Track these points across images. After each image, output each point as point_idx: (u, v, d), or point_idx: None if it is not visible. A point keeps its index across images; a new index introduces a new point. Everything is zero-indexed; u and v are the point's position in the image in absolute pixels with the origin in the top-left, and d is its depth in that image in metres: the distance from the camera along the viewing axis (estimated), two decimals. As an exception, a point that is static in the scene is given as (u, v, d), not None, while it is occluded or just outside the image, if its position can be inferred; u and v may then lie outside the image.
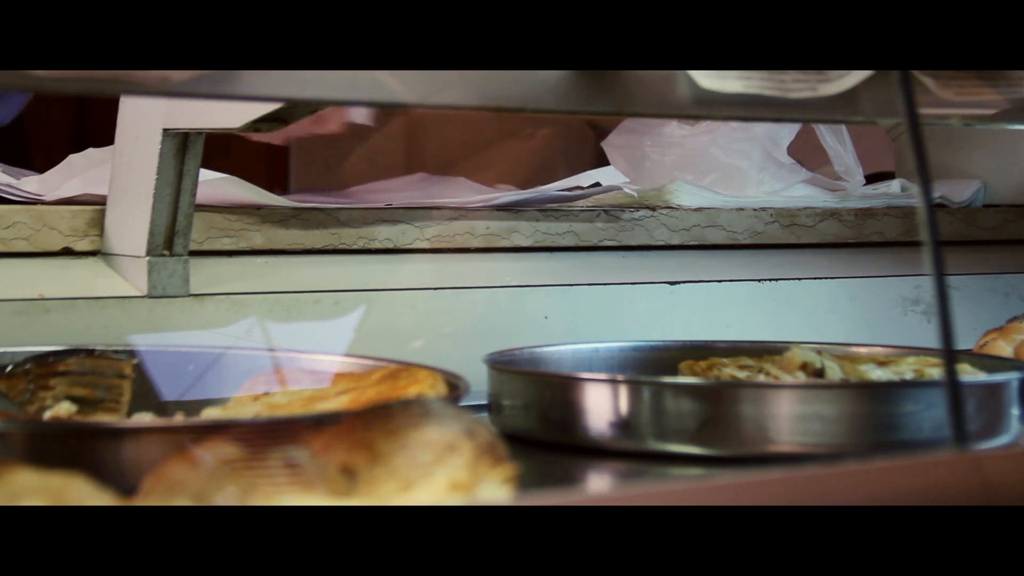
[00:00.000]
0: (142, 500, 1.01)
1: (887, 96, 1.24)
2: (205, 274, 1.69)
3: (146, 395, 1.49)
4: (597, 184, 1.99)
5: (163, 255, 1.64)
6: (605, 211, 1.98)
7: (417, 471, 1.04)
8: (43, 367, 1.37)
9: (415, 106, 1.85)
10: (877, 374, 1.61)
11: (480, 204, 1.90)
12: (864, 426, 1.44)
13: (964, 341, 1.59)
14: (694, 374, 1.63)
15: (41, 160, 2.21)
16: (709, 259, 2.04)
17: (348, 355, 1.52)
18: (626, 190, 2.04)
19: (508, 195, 1.94)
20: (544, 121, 2.84)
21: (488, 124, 2.86)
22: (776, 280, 2.04)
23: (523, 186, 2.05)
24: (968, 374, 1.54)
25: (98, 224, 1.67)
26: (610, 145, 2.29)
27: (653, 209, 2.02)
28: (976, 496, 1.09)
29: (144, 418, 1.45)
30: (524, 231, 1.91)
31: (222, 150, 2.13)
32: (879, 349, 1.75)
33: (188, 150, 1.60)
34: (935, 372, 1.58)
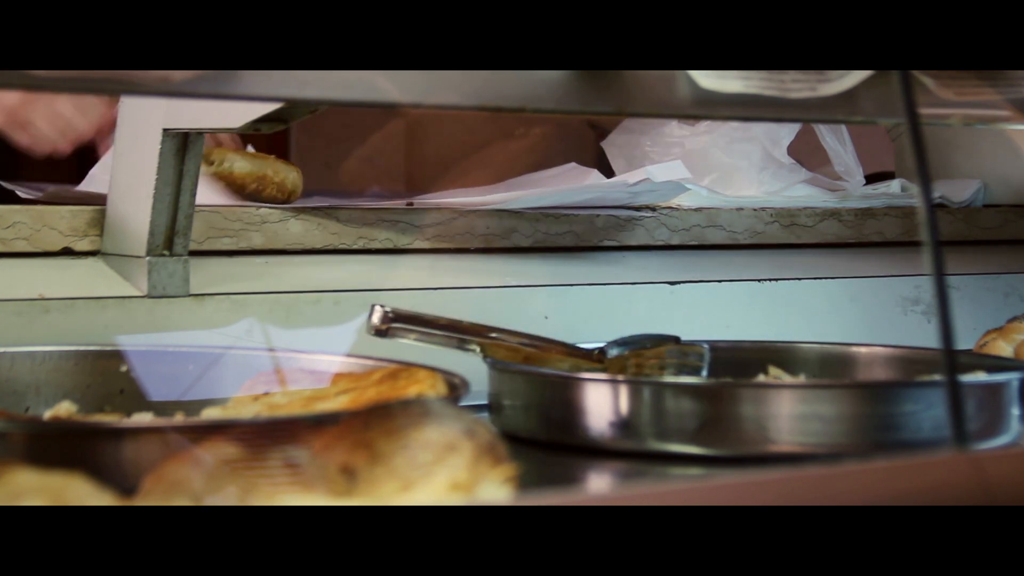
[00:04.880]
0: (142, 500, 1.01)
1: (887, 96, 1.24)
2: (205, 274, 1.69)
3: (146, 395, 1.49)
4: (646, 180, 1.96)
5: (163, 255, 1.64)
6: (605, 211, 1.98)
7: (417, 471, 1.04)
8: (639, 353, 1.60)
9: (415, 106, 1.85)
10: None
11: (526, 207, 1.89)
12: (864, 426, 1.44)
13: (964, 341, 1.59)
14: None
15: (37, 161, 2.21)
16: (709, 259, 2.04)
17: (348, 355, 1.52)
18: (694, 188, 2.02)
19: (552, 192, 1.93)
20: (544, 121, 2.84)
21: (488, 124, 2.86)
22: (776, 280, 2.04)
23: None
24: (968, 374, 1.54)
25: (98, 224, 1.67)
26: (610, 145, 2.29)
27: (653, 209, 2.02)
28: (976, 496, 1.09)
29: (144, 418, 1.45)
30: (524, 231, 1.91)
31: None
32: (879, 349, 1.75)
33: (188, 150, 1.60)
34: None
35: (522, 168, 2.15)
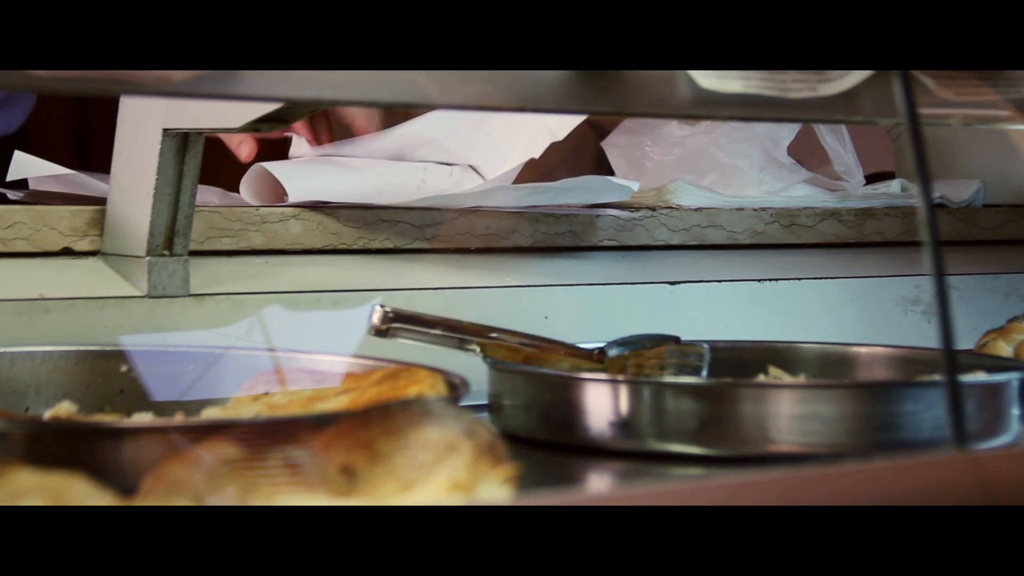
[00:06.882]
0: (142, 500, 1.01)
1: (887, 96, 1.24)
2: (205, 274, 1.69)
3: (146, 395, 1.49)
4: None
5: (163, 255, 1.64)
6: (605, 211, 1.98)
7: (417, 471, 1.04)
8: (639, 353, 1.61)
9: (414, 106, 1.85)
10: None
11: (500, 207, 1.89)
12: (864, 426, 1.44)
13: (964, 341, 1.59)
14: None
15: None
16: (709, 259, 2.04)
17: (348, 355, 1.52)
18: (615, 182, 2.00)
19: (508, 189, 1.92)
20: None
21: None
22: (776, 280, 2.04)
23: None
24: (968, 374, 1.54)
25: (98, 224, 1.67)
26: (610, 145, 2.29)
27: (653, 209, 2.02)
28: (976, 496, 1.09)
29: (144, 418, 1.45)
30: (524, 231, 1.91)
31: (223, 150, 2.12)
32: (879, 349, 1.75)
33: (188, 150, 1.60)
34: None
35: (522, 167, 2.14)
